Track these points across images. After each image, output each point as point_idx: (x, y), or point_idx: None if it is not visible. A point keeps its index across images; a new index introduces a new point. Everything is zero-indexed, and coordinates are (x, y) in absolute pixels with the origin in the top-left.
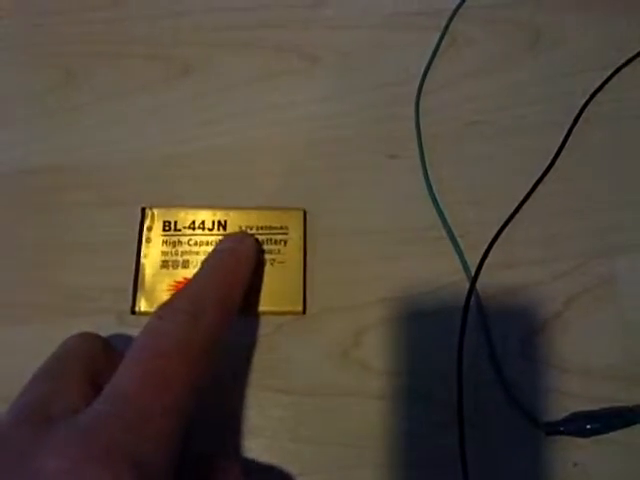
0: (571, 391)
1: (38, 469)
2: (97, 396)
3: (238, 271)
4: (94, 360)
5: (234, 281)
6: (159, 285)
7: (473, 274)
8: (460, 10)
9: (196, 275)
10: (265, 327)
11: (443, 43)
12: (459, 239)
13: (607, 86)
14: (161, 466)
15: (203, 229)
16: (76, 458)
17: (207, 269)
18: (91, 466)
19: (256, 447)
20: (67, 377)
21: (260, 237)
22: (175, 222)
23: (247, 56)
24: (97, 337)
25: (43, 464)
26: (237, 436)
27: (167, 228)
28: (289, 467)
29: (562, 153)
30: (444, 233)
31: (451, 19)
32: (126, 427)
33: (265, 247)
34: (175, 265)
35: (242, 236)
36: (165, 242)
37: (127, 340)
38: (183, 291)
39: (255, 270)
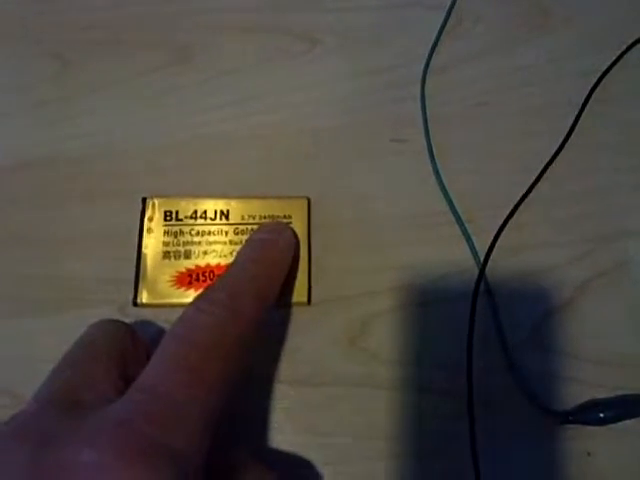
0: (584, 379)
1: (70, 459)
2: (126, 385)
3: (277, 264)
4: (121, 347)
5: (273, 274)
6: (161, 276)
7: (482, 260)
8: None
9: (233, 265)
10: (270, 318)
11: (449, 22)
12: (467, 224)
13: (618, 64)
14: (194, 461)
15: (205, 219)
16: (110, 450)
17: (245, 260)
18: (125, 459)
19: (262, 439)
20: (96, 365)
21: None
22: (176, 212)
23: (246, 40)
24: (123, 323)
25: (75, 454)
26: (244, 428)
27: (168, 218)
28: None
29: (573, 134)
30: (452, 218)
31: None
32: (160, 420)
33: None
34: (177, 256)
35: (281, 227)
36: (166, 232)
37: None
38: (220, 282)
39: (292, 263)
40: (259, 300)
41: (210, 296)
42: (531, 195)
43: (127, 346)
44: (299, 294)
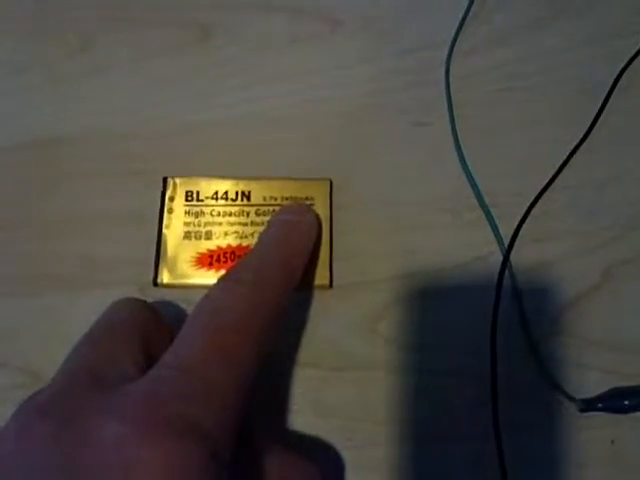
0: (609, 367)
1: (95, 433)
2: (148, 364)
3: (301, 246)
4: (145, 326)
5: (297, 256)
6: (182, 256)
7: (507, 246)
8: None
9: (257, 246)
10: (291, 301)
11: (473, 7)
12: (492, 209)
13: None
14: (226, 440)
15: (226, 199)
16: (137, 425)
17: (269, 242)
18: (155, 434)
19: (281, 421)
20: (118, 343)
21: None
22: (197, 192)
23: (268, 21)
24: (145, 303)
25: (100, 428)
26: (263, 411)
27: (189, 198)
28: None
29: (599, 120)
30: (476, 203)
31: None
32: (190, 397)
33: None
34: (198, 236)
35: (303, 209)
36: (187, 212)
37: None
38: (245, 263)
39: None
40: (284, 282)
41: (236, 276)
42: (557, 181)
43: (150, 325)
44: (321, 277)
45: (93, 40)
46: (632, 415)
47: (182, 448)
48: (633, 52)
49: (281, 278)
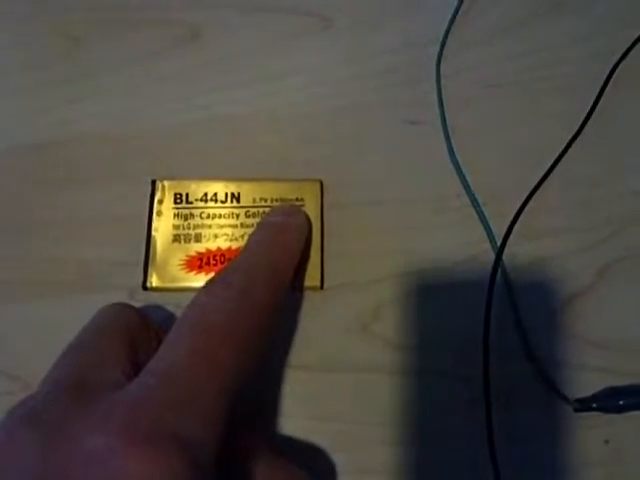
0: (603, 366)
1: (79, 446)
2: (136, 370)
3: (290, 248)
4: (132, 332)
5: (286, 258)
6: (171, 260)
7: (499, 244)
8: None
9: (246, 249)
10: (281, 303)
11: (463, 4)
12: (484, 208)
13: (638, 46)
14: (208, 448)
15: (216, 201)
16: (121, 435)
17: (258, 244)
18: (137, 444)
19: (272, 425)
20: (105, 349)
21: None
22: (187, 194)
23: (257, 19)
24: (133, 308)
25: (85, 441)
26: (253, 414)
27: (178, 201)
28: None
29: (592, 116)
30: (468, 202)
31: None
32: (174, 404)
33: None
34: (187, 239)
35: (293, 210)
36: (177, 215)
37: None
38: (232, 266)
39: (304, 246)
40: (273, 284)
41: (223, 280)
42: (550, 178)
43: (138, 330)
44: (311, 278)
45: (85, 42)
46: (626, 414)
47: (164, 459)
48: (625, 48)
49: (271, 281)
